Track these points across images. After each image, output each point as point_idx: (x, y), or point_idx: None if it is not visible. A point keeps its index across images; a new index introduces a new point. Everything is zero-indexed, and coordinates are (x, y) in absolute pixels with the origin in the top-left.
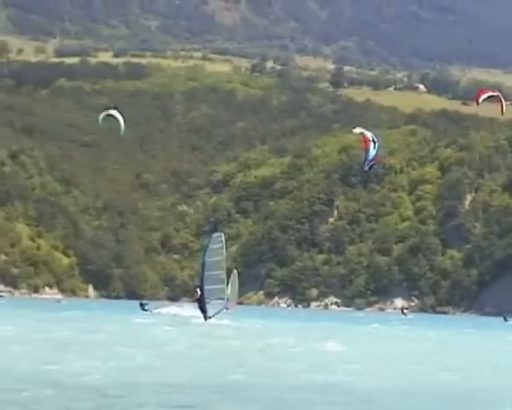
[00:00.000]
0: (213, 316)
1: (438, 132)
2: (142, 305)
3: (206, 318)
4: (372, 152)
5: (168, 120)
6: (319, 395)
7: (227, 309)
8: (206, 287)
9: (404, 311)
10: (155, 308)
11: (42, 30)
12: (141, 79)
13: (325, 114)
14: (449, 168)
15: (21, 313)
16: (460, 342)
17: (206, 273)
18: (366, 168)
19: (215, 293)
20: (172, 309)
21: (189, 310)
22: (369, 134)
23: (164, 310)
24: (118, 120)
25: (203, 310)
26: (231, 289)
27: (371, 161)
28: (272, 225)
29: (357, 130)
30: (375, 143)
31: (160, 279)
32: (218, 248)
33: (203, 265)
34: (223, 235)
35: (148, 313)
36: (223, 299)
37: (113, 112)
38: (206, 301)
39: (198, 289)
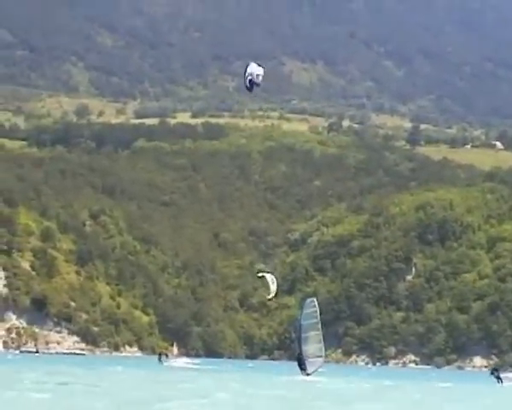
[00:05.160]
0: (312, 373)
1: None
2: (160, 356)
3: (306, 374)
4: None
5: (246, 179)
6: None
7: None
8: (304, 347)
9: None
10: (166, 361)
11: (122, 92)
12: (219, 139)
13: (402, 173)
14: None
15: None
16: None
17: (303, 335)
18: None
19: (313, 352)
20: (181, 362)
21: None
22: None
23: (174, 363)
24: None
25: (303, 368)
26: None
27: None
28: (350, 283)
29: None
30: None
31: (239, 338)
32: (313, 312)
33: (300, 327)
34: (315, 300)
35: (163, 364)
36: (321, 357)
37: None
38: (305, 359)
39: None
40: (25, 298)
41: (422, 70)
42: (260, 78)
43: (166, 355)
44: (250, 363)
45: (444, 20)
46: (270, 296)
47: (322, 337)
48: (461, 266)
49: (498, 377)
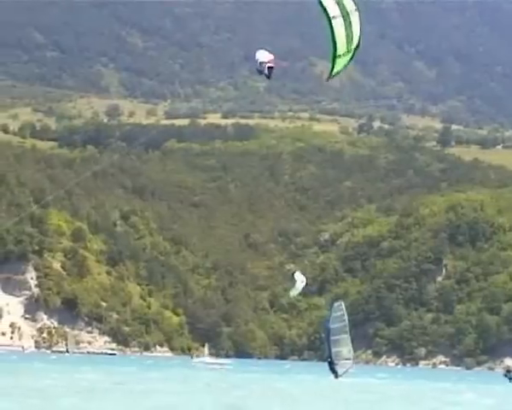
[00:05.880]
0: (342, 375)
1: None
2: (191, 354)
3: (336, 376)
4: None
5: (276, 180)
6: None
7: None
8: (333, 349)
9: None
10: (194, 359)
11: (153, 93)
12: (249, 140)
13: (432, 173)
14: None
15: None
16: None
17: (332, 338)
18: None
19: (342, 354)
20: (207, 359)
21: (218, 360)
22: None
23: (202, 360)
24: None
25: (333, 370)
26: None
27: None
28: (379, 284)
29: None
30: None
31: (269, 338)
32: (341, 316)
33: (328, 331)
34: (343, 303)
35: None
36: (349, 359)
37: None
38: (335, 362)
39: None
40: (56, 298)
41: (453, 71)
42: (263, 66)
43: (194, 356)
44: (287, 365)
45: (475, 20)
46: (291, 294)
47: (350, 340)
48: (491, 267)
49: (511, 379)
